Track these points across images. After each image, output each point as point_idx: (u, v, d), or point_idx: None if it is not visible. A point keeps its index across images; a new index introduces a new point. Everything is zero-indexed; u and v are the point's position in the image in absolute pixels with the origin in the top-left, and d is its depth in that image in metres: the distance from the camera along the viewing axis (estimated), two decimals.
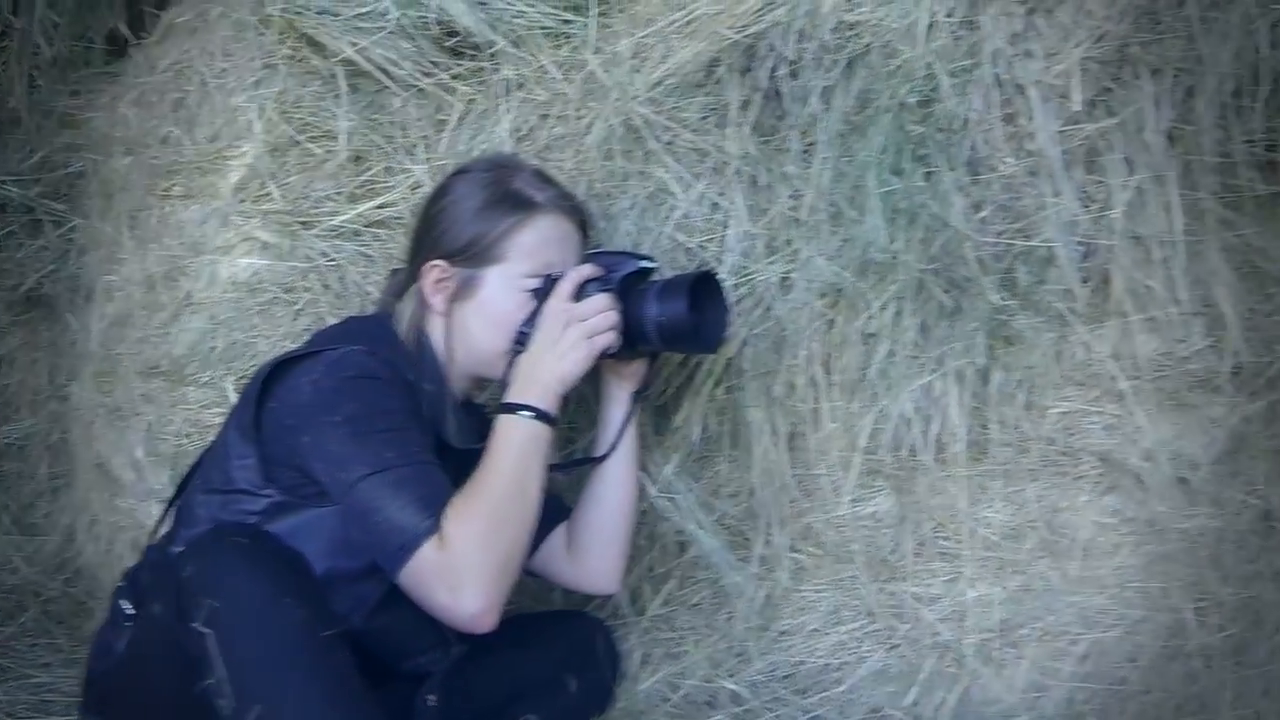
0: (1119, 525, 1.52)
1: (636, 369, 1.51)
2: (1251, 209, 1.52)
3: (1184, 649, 1.52)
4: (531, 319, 1.40)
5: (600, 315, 1.39)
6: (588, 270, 1.42)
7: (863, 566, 1.54)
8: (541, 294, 1.41)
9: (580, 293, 1.40)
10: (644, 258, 1.47)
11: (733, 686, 1.52)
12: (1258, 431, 1.53)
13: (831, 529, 1.54)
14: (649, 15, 1.63)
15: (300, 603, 1.21)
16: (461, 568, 1.23)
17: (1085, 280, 1.49)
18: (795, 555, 1.56)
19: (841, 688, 1.53)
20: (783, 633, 1.56)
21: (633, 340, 1.42)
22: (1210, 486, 1.52)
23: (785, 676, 1.54)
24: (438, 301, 1.43)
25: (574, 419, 1.59)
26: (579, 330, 1.38)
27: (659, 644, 1.58)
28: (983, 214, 1.45)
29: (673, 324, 1.40)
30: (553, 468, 1.49)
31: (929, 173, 1.47)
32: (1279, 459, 1.54)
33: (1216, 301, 1.51)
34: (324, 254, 1.66)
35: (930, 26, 1.50)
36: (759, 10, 1.56)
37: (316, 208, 1.67)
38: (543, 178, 1.48)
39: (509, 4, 1.65)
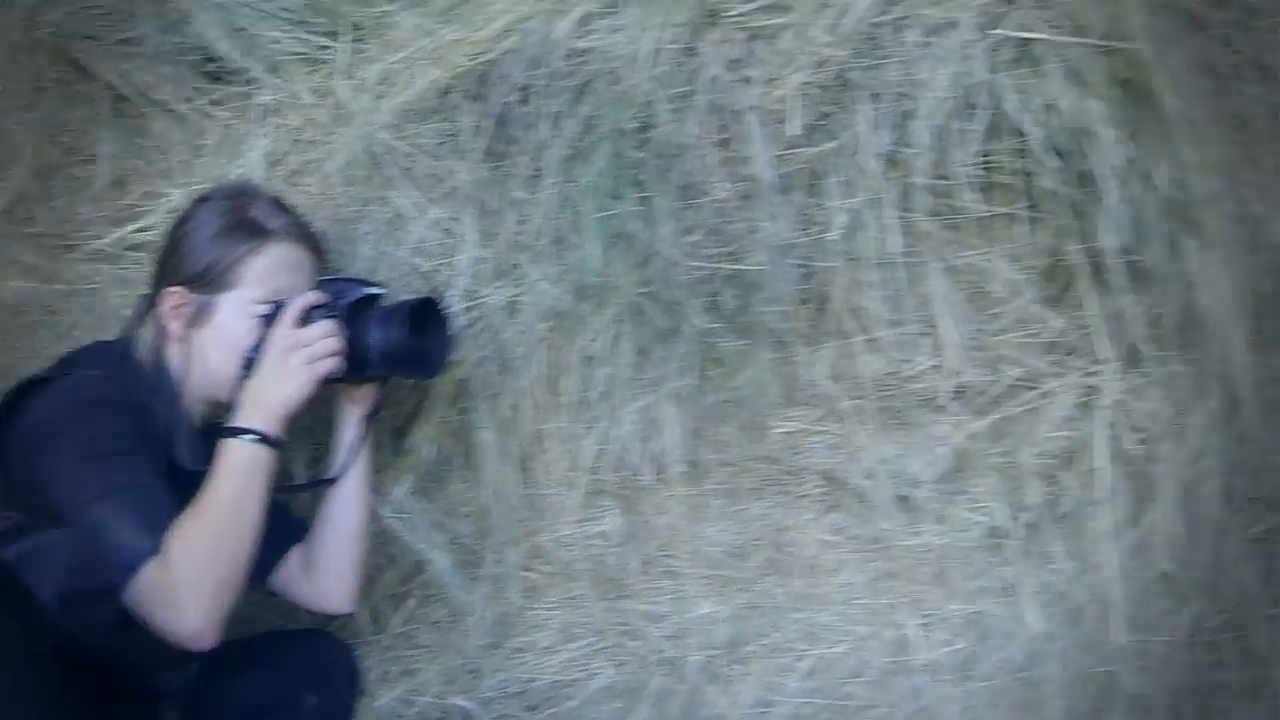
0: (843, 542, 1.55)
1: (367, 393, 1.53)
2: (974, 230, 1.53)
3: (909, 664, 1.55)
4: (259, 345, 1.43)
5: (322, 341, 1.42)
6: (312, 297, 1.45)
7: (591, 585, 1.57)
8: (270, 320, 1.43)
9: (305, 319, 1.43)
10: (372, 284, 1.50)
11: (464, 703, 1.56)
12: (983, 449, 1.55)
13: (561, 548, 1.57)
14: (400, 41, 1.65)
15: (19, 624, 1.25)
16: (180, 587, 1.27)
17: (804, 302, 1.51)
18: (527, 574, 1.59)
19: (571, 703, 1.56)
20: (516, 650, 1.59)
21: (358, 365, 1.45)
22: (934, 504, 1.54)
23: (517, 693, 1.57)
24: (175, 327, 1.46)
25: (321, 440, 1.62)
26: (301, 356, 1.41)
27: (398, 661, 1.61)
28: (693, 238, 1.47)
29: (393, 349, 1.44)
30: (284, 489, 1.52)
31: (644, 198, 1.49)
32: (1003, 477, 1.56)
33: (939, 322, 1.53)
34: (84, 278, 1.69)
35: (655, 53, 1.52)
36: (495, 38, 1.58)
37: (79, 231, 1.70)
38: (279, 206, 1.51)
39: (266, 30, 1.67)
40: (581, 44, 1.55)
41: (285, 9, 1.68)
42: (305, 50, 1.67)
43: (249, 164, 1.67)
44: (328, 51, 1.67)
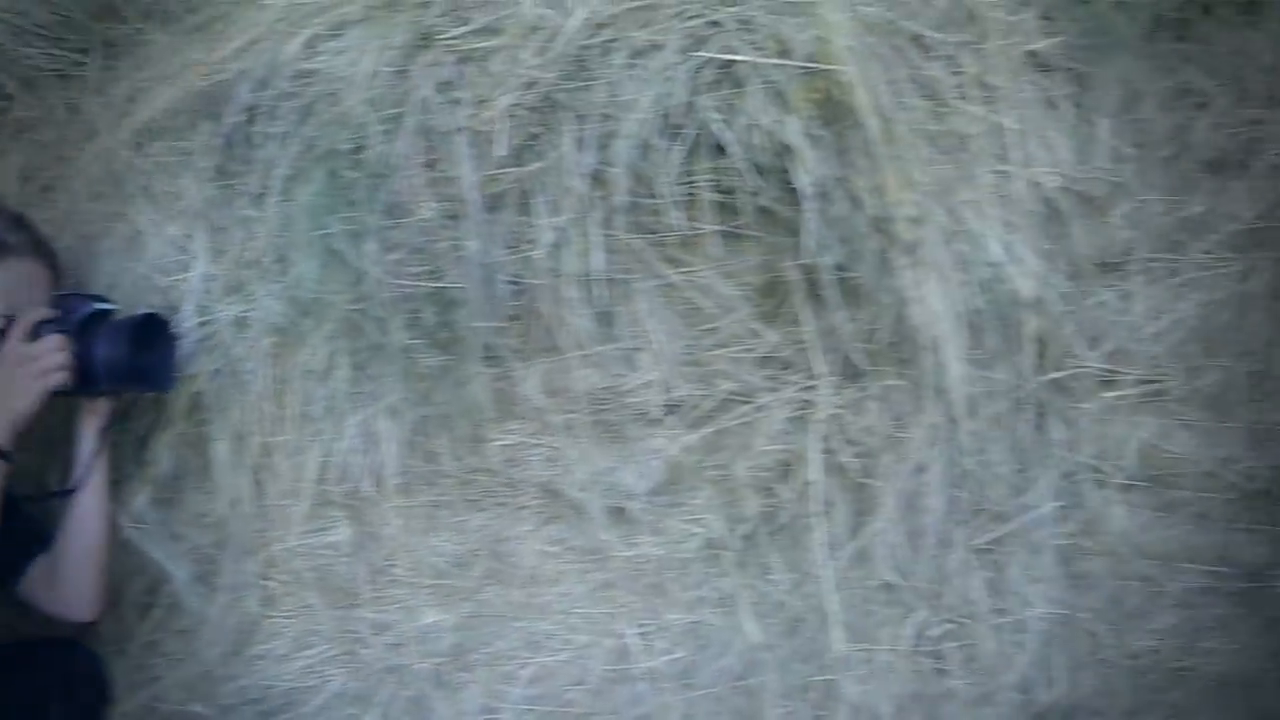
0: (563, 553, 1.58)
1: (103, 405, 1.58)
2: (687, 247, 1.56)
3: (630, 672, 1.58)
4: None
5: (50, 356, 1.47)
6: (42, 312, 1.51)
7: (323, 594, 1.61)
8: (2, 335, 1.49)
9: (35, 334, 1.48)
10: (103, 300, 1.55)
11: (202, 710, 1.60)
12: (697, 462, 1.58)
13: (294, 558, 1.61)
14: (150, 59, 1.69)
15: None
16: None
17: (515, 318, 1.54)
18: (264, 583, 1.62)
19: (306, 709, 1.60)
20: (255, 658, 1.63)
21: (87, 379, 1.51)
22: (650, 516, 1.57)
23: (255, 700, 1.61)
24: None
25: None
26: (29, 370, 1.47)
27: (144, 670, 1.65)
28: (397, 256, 1.50)
29: (118, 364, 1.50)
30: (20, 500, 1.57)
31: (355, 217, 1.52)
32: (719, 489, 1.59)
33: (651, 337, 1.55)
34: None
35: (371, 76, 1.54)
36: (230, 58, 1.61)
37: None
38: (19, 223, 1.56)
39: (21, 46, 1.71)
40: (308, 65, 1.58)
41: (40, 25, 1.71)
42: (60, 66, 1.71)
43: (4, 179, 1.70)
44: (81, 68, 1.70)
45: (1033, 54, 1.64)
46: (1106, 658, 1.65)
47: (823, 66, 1.49)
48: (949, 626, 1.62)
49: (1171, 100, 1.64)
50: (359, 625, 1.60)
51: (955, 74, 1.60)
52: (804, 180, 1.48)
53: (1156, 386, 1.64)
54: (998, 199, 1.58)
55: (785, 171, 1.51)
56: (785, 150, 1.50)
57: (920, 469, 1.59)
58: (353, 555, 1.60)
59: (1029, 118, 1.61)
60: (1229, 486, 1.63)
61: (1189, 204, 1.64)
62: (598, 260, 1.51)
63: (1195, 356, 1.63)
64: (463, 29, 1.53)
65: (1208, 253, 1.63)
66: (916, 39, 1.60)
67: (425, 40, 1.54)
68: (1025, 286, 1.57)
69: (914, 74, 1.58)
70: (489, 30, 1.53)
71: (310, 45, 1.58)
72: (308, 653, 1.62)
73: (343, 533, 1.60)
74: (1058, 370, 1.63)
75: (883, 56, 1.55)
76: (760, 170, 1.50)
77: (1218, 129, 1.64)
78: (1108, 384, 1.64)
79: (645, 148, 1.51)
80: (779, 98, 1.50)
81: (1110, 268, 1.65)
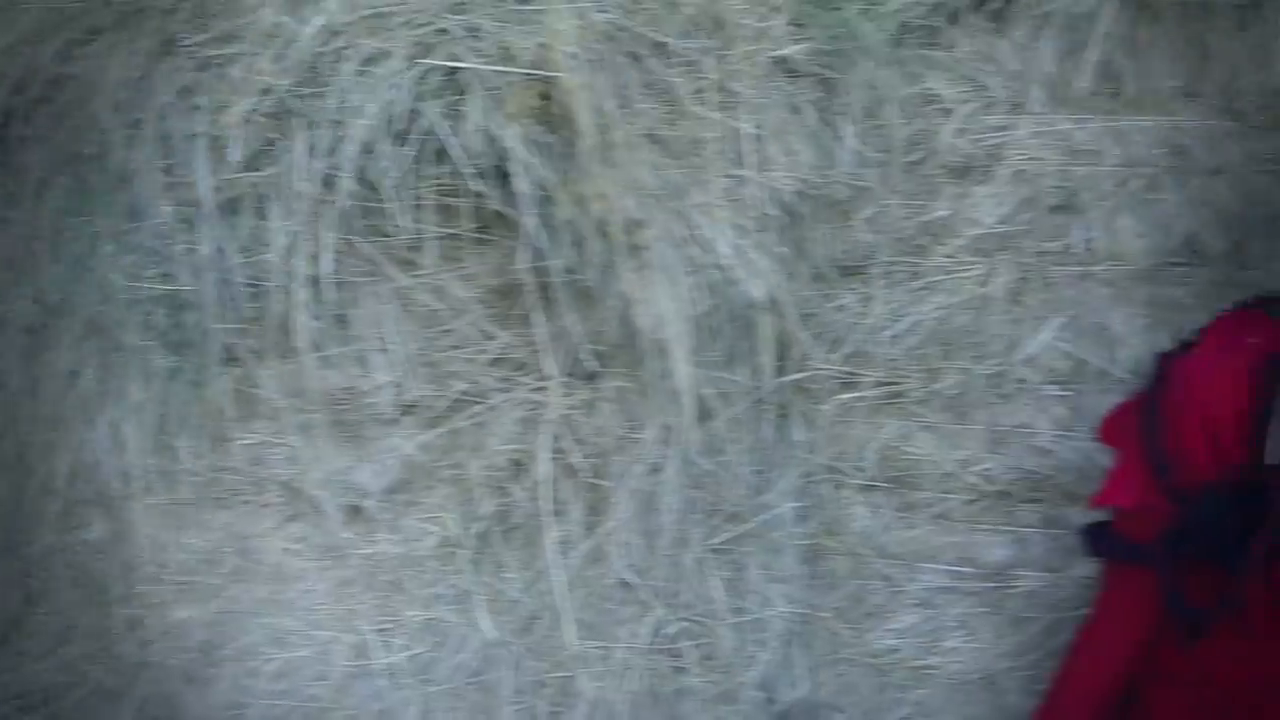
0: (305, 550, 1.62)
1: None
2: (416, 251, 1.59)
3: (370, 668, 1.62)
4: None
5: None
6: None
7: (80, 591, 1.65)
8: None
9: None
10: None
11: None
12: (433, 461, 1.61)
13: (53, 555, 1.65)
14: None
15: None
16: None
17: (254, 320, 1.57)
18: (25, 580, 1.67)
19: (64, 704, 1.64)
20: (16, 654, 1.67)
21: None
22: (387, 514, 1.61)
23: (16, 696, 1.66)
24: None
25: None
26: None
27: None
28: (134, 258, 1.55)
29: None
30: None
31: (99, 221, 1.57)
32: (454, 488, 1.62)
33: (386, 339, 1.59)
34: None
35: (116, 81, 1.59)
36: None
37: None
38: None
39: None
40: (62, 70, 1.62)
41: None
42: None
43: None
44: None
45: (780, 60, 1.66)
46: (848, 656, 1.68)
47: (544, 73, 1.52)
48: (686, 625, 1.64)
49: (917, 106, 1.66)
50: (114, 622, 1.64)
51: (696, 79, 1.63)
52: (522, 185, 1.51)
53: (896, 388, 1.66)
54: (730, 203, 1.60)
55: (509, 178, 1.54)
56: (508, 156, 1.53)
57: (655, 469, 1.61)
58: (106, 553, 1.63)
59: (770, 122, 1.63)
60: (968, 488, 1.65)
61: (931, 208, 1.66)
62: (327, 264, 1.54)
63: (934, 359, 1.65)
64: (203, 36, 1.57)
65: (949, 256, 1.65)
66: (658, 46, 1.63)
67: (168, 47, 1.58)
68: (756, 289, 1.60)
69: (650, 80, 1.61)
70: (229, 37, 1.57)
71: (64, 50, 1.62)
72: (69, 648, 1.66)
73: (97, 530, 1.64)
74: (798, 372, 1.65)
75: (613, 63, 1.58)
76: (484, 175, 1.53)
77: (962, 135, 1.65)
78: (848, 385, 1.67)
79: (373, 154, 1.54)
80: (501, 104, 1.53)
81: (851, 271, 1.67)
